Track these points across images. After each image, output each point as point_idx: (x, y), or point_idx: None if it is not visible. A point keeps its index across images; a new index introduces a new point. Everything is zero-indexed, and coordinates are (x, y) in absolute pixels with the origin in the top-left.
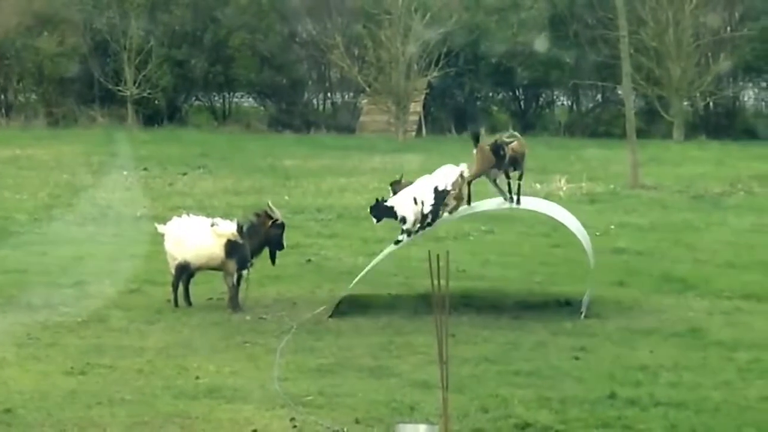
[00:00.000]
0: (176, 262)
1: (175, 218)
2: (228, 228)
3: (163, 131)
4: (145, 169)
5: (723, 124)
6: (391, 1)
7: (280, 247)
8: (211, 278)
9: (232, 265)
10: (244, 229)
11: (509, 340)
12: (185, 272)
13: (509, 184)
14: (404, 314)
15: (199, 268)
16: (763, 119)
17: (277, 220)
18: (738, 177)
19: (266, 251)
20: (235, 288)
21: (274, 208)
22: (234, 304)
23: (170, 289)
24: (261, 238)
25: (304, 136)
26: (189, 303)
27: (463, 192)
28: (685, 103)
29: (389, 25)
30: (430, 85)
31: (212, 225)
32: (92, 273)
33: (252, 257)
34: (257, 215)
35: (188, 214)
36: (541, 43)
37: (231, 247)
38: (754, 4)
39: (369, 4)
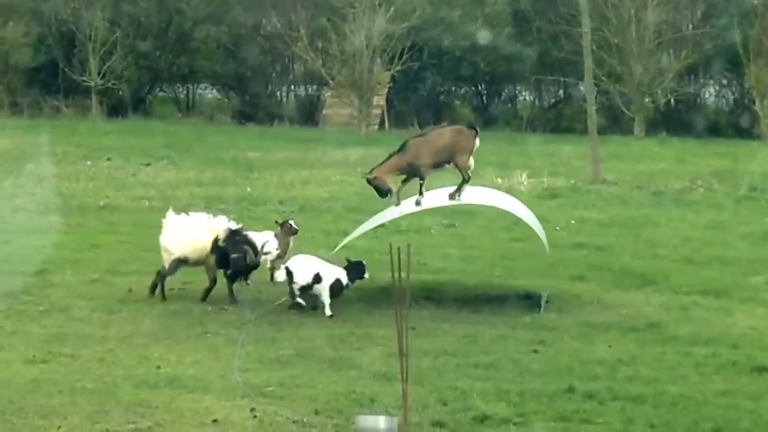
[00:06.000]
0: (173, 257)
1: (172, 214)
2: (220, 225)
3: (127, 122)
4: (108, 159)
5: (684, 120)
6: None
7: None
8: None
9: (212, 261)
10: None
11: (469, 333)
12: (179, 267)
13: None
14: (365, 306)
15: (196, 263)
16: (723, 116)
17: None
18: (698, 173)
19: None
20: (214, 282)
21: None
22: (205, 295)
23: (134, 278)
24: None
25: (268, 128)
26: (152, 293)
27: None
28: (647, 99)
29: (353, 18)
30: (393, 79)
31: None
32: (55, 262)
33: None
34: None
35: (187, 213)
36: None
37: (215, 244)
38: (715, 2)
39: None
